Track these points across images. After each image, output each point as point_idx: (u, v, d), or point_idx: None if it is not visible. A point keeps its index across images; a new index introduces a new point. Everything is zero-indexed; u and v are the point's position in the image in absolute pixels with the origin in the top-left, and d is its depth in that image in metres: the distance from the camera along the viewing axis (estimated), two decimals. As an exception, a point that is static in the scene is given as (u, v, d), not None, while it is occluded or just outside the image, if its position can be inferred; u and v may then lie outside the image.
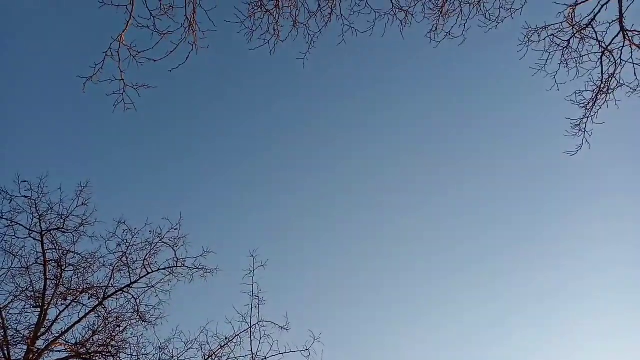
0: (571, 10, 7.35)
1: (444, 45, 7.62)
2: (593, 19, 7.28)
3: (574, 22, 7.39)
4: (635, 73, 7.38)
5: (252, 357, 10.41)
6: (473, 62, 16.73)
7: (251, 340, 10.48)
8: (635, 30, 7.15)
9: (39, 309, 11.40)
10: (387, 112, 20.61)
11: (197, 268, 12.41)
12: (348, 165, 22.43)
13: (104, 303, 11.98)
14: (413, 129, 21.55)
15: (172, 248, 12.34)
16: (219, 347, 11.07)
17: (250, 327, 10.66)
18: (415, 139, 21.85)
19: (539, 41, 7.59)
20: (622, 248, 18.67)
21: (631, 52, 7.27)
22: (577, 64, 7.62)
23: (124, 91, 6.19)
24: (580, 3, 7.26)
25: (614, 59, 7.41)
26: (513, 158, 20.65)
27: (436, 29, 7.46)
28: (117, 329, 12.03)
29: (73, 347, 11.40)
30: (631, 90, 7.51)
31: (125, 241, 12.16)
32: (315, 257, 21.51)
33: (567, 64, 7.64)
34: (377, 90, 19.65)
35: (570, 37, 7.52)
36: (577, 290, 21.05)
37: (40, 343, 11.12)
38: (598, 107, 7.66)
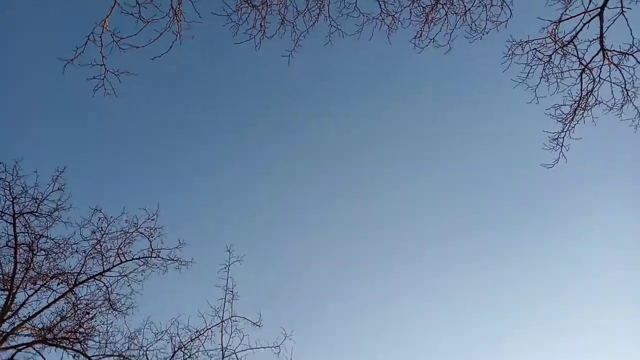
0: (555, 27, 7.47)
1: (429, 52, 7.70)
2: (575, 37, 7.42)
3: (557, 38, 7.52)
4: (612, 92, 7.56)
5: (222, 350, 10.37)
6: (456, 72, 16.94)
7: (222, 335, 10.43)
8: (614, 50, 7.31)
9: (6, 292, 11.22)
10: (369, 121, 20.80)
11: (172, 260, 12.34)
12: (327, 157, 22.43)
13: (74, 289, 11.84)
14: (397, 138, 21.75)
15: (148, 238, 12.26)
16: (190, 339, 11.04)
17: (222, 321, 10.60)
18: (399, 147, 22.04)
19: (522, 54, 7.72)
20: (622, 248, 18.80)
21: (609, 71, 7.44)
22: (558, 79, 7.75)
23: (105, 77, 6.14)
24: (563, 20, 7.38)
25: (593, 76, 7.56)
26: (514, 158, 20.77)
27: (421, 35, 7.54)
28: (86, 316, 11.91)
29: (39, 331, 11.24)
30: (608, 109, 7.68)
31: (100, 229, 12.05)
32: (292, 256, 21.51)
33: (548, 78, 7.76)
34: (361, 99, 19.86)
35: (552, 53, 7.65)
36: (577, 290, 21.22)
37: (5, 326, 10.95)
38: (575, 122, 7.83)
